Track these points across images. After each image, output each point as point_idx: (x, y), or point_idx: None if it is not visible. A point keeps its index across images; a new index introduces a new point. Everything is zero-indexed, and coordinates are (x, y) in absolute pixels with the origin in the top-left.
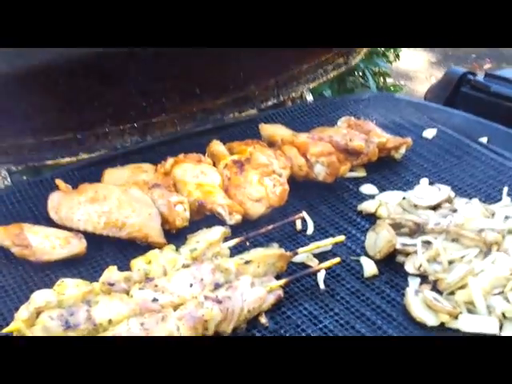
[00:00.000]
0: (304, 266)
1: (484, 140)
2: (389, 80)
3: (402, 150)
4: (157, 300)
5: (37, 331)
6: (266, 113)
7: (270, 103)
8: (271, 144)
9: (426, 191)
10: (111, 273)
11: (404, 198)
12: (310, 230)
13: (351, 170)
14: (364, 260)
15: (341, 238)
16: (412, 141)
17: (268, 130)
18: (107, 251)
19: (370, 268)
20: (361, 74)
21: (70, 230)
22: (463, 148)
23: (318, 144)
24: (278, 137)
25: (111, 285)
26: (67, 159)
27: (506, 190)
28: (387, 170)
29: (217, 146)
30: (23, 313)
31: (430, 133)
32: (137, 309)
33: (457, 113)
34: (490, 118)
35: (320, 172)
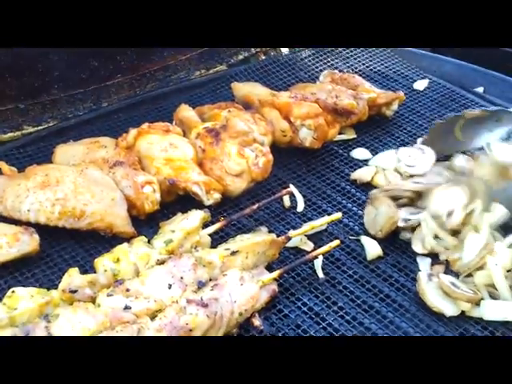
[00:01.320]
0: (297, 250)
1: (480, 90)
2: None
3: (394, 107)
4: (129, 308)
5: None
6: (236, 69)
7: (240, 57)
8: (247, 106)
9: (413, 157)
10: (72, 277)
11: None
12: (301, 206)
13: (340, 132)
14: (365, 240)
15: (337, 215)
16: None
17: (242, 89)
18: (65, 246)
19: (372, 249)
20: None
21: (18, 223)
22: (458, 100)
23: (303, 104)
24: (254, 97)
25: (73, 292)
26: (9, 134)
27: None
28: (379, 130)
29: (185, 111)
30: None
31: (421, 84)
32: (106, 321)
33: (448, 60)
34: (484, 64)
35: (306, 137)
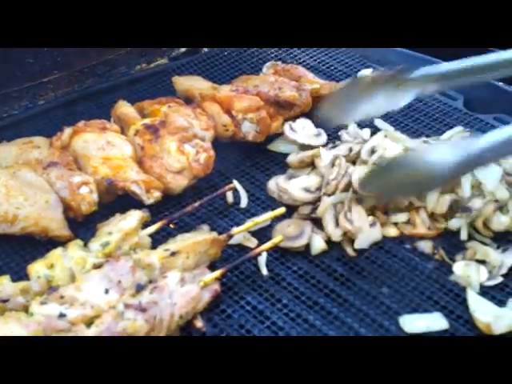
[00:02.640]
0: (241, 247)
1: None
2: None
3: None
4: (64, 315)
5: None
6: (178, 62)
7: (182, 50)
8: (188, 101)
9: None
10: (3, 285)
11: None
12: (244, 202)
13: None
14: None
15: (281, 209)
16: None
17: (183, 83)
18: None
19: (317, 244)
20: None
21: None
22: None
23: (244, 98)
24: (195, 91)
25: (4, 301)
26: None
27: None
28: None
29: (124, 107)
30: None
31: (365, 74)
32: (39, 330)
33: (392, 49)
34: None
35: (249, 131)
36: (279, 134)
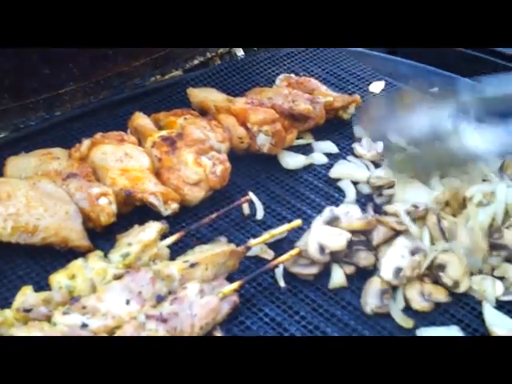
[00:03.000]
0: (258, 259)
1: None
2: None
3: (351, 110)
4: (87, 326)
5: None
6: (192, 74)
7: (195, 62)
8: (203, 112)
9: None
10: (26, 295)
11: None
12: (260, 214)
13: (298, 137)
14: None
15: (297, 222)
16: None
17: (198, 95)
18: (19, 263)
19: (336, 277)
20: None
21: None
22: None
23: (259, 110)
24: (210, 103)
25: (27, 311)
26: None
27: None
28: (337, 134)
29: (140, 119)
30: None
31: (377, 86)
32: None
33: (403, 61)
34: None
35: (264, 143)
36: (293, 147)
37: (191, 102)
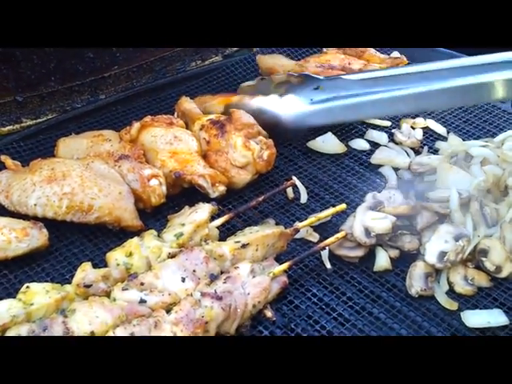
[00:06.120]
0: (304, 241)
1: None
2: None
3: None
4: (145, 301)
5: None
6: (232, 59)
7: (234, 48)
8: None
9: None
10: (86, 271)
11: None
12: (304, 198)
13: None
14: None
15: (342, 206)
16: None
17: (268, 61)
18: (73, 240)
19: (381, 260)
20: None
21: (25, 217)
22: None
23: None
24: (279, 68)
25: (87, 286)
26: (8, 127)
27: None
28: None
29: (187, 103)
30: None
31: None
32: (123, 315)
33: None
34: None
35: None
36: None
37: (260, 68)
